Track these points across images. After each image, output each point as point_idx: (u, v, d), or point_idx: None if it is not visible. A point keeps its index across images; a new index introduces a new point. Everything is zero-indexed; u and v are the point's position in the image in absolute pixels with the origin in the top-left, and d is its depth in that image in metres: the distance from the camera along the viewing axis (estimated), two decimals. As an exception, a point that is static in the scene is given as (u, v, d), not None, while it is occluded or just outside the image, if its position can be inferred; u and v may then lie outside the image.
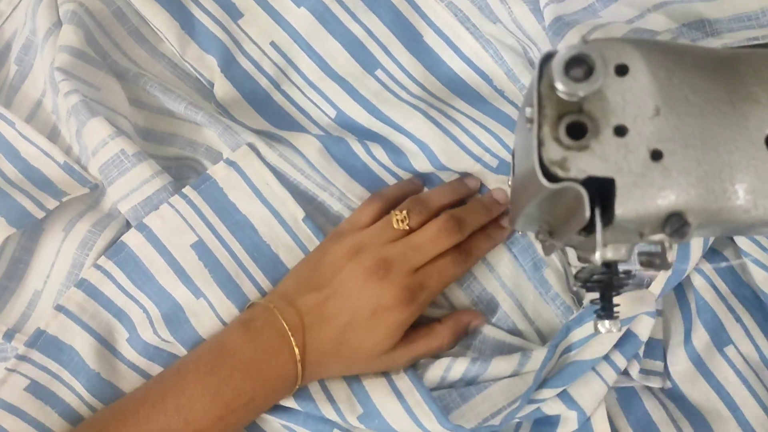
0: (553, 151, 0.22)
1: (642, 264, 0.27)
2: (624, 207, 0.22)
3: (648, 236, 0.23)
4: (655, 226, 0.22)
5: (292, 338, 0.36)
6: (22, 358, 0.38)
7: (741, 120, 0.23)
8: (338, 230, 0.41)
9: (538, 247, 0.41)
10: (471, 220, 0.40)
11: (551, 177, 0.22)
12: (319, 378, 0.39)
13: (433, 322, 0.40)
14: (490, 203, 0.41)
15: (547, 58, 0.22)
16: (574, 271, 0.30)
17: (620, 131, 0.22)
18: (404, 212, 0.39)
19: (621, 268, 0.28)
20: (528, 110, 0.23)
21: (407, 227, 0.38)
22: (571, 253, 0.33)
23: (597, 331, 0.28)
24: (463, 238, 0.39)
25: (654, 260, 0.26)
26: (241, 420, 0.36)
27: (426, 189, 0.43)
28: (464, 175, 0.43)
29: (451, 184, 0.42)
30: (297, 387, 0.37)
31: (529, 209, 0.27)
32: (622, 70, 0.22)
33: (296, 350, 0.36)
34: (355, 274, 0.37)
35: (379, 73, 0.44)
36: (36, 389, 0.38)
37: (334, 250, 0.39)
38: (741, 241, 0.39)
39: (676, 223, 0.22)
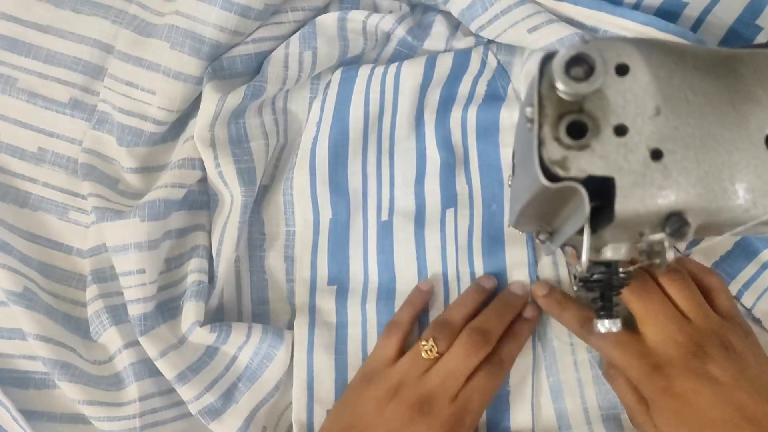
0: (554, 151, 0.22)
1: (642, 263, 0.27)
2: (624, 206, 0.22)
3: (648, 236, 0.23)
4: (655, 225, 0.22)
5: None
6: None
7: (741, 120, 0.23)
8: (367, 370, 0.39)
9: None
10: (495, 326, 0.39)
11: (552, 176, 0.22)
12: None
13: None
14: (509, 300, 0.40)
15: (548, 58, 0.22)
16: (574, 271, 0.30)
17: (620, 131, 0.22)
18: (431, 341, 0.38)
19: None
20: (528, 110, 0.23)
21: (437, 354, 0.38)
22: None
23: (597, 330, 0.28)
24: (492, 347, 0.38)
25: (654, 260, 0.26)
26: None
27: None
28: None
29: (467, 293, 0.41)
30: None
31: (530, 209, 0.27)
32: (622, 70, 0.22)
33: None
34: (400, 415, 0.36)
35: None
36: None
37: (371, 394, 0.38)
38: None
39: (676, 223, 0.22)
